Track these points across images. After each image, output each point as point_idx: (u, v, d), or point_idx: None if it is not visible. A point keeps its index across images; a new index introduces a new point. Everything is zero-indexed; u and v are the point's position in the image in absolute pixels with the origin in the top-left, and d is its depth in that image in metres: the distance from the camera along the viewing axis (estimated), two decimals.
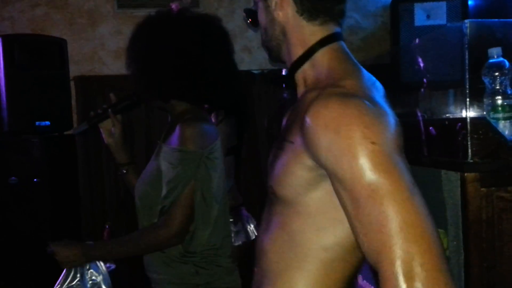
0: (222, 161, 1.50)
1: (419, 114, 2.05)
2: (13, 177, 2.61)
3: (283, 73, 2.40)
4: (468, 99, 1.14)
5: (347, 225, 0.81)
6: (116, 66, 3.42)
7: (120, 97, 1.58)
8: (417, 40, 3.04)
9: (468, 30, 1.17)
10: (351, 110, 0.77)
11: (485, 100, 1.26)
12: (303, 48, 0.93)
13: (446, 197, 1.16)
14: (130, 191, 1.65)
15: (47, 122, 2.77)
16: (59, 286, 1.56)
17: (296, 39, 0.94)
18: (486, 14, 3.09)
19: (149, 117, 3.29)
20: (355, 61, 0.93)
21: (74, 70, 3.26)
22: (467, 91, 1.14)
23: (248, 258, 1.30)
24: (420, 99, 2.37)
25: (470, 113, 1.16)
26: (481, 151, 1.10)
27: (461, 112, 1.34)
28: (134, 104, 1.58)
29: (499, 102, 1.23)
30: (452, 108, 1.96)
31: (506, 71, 1.25)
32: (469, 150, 1.10)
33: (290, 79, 0.98)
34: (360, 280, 1.68)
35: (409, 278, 0.67)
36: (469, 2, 3.42)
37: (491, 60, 1.26)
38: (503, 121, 1.22)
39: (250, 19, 1.05)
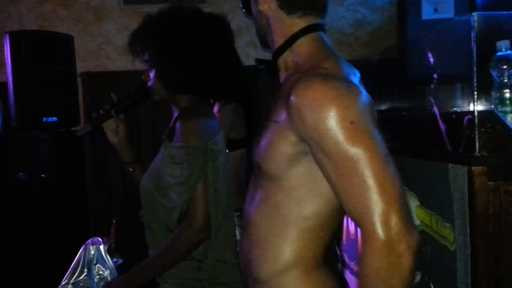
0: (225, 154, 1.50)
1: (433, 107, 2.03)
2: (20, 173, 2.63)
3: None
4: (475, 93, 1.13)
5: (324, 197, 0.97)
6: (122, 62, 3.43)
7: (122, 96, 1.59)
8: (424, 34, 3.01)
9: (476, 23, 1.16)
10: (332, 92, 0.89)
11: (493, 93, 1.24)
12: (284, 38, 1.06)
13: (453, 191, 1.15)
14: (137, 188, 1.66)
15: (54, 118, 2.79)
16: (66, 280, 1.58)
17: (278, 29, 1.06)
18: (493, 7, 3.05)
19: (155, 114, 3.30)
20: (332, 49, 1.05)
21: (81, 66, 3.28)
22: (475, 85, 1.12)
23: None
24: (427, 93, 2.35)
25: (477, 106, 1.15)
26: (488, 144, 1.09)
27: (468, 105, 1.33)
28: (137, 103, 1.59)
29: (507, 95, 1.22)
30: (460, 102, 1.94)
31: None
32: (477, 144, 1.09)
33: (273, 65, 1.10)
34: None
35: (387, 230, 0.83)
36: None
37: (499, 53, 1.24)
38: (511, 115, 1.21)
39: (244, 9, 1.17)
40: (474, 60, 1.12)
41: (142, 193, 1.52)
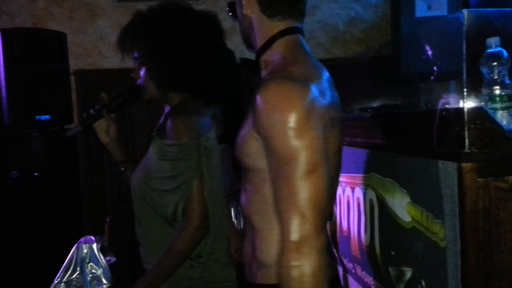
0: (217, 151, 1.50)
1: (422, 104, 2.04)
2: (13, 172, 2.63)
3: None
4: (465, 89, 1.13)
5: None
6: (116, 59, 3.39)
7: (113, 96, 1.59)
8: (417, 31, 3.02)
9: (466, 20, 1.16)
10: (284, 94, 0.98)
11: (483, 90, 1.25)
12: (264, 39, 1.14)
13: (443, 188, 1.16)
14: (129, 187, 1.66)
15: (48, 116, 2.78)
16: (59, 279, 1.58)
17: (260, 31, 1.15)
18: (487, 4, 3.06)
19: (150, 111, 3.29)
20: (308, 51, 1.13)
21: (74, 64, 3.27)
22: (464, 81, 1.13)
23: None
24: (421, 90, 2.36)
25: (467, 103, 1.16)
26: (478, 141, 1.09)
27: (469, 101, 1.33)
28: (128, 102, 1.59)
29: (497, 92, 1.23)
30: (453, 99, 1.95)
31: (504, 61, 1.24)
32: (466, 140, 1.09)
33: (256, 64, 1.18)
34: (359, 271, 1.69)
35: (298, 233, 0.95)
36: None
37: (489, 50, 1.25)
38: (501, 111, 1.22)
39: (231, 13, 1.23)
40: (464, 57, 1.12)
41: (132, 191, 1.52)
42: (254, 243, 1.12)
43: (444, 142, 1.19)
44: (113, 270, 1.62)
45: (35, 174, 2.66)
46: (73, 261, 1.59)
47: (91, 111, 1.58)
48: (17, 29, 3.04)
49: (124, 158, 1.64)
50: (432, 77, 2.09)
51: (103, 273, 1.59)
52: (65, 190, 2.93)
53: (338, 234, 1.85)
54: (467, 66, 1.14)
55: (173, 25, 1.44)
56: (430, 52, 2.38)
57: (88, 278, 1.57)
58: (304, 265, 0.94)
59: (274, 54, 1.12)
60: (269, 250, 1.07)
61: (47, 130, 2.78)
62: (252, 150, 1.06)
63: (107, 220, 1.93)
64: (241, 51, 3.42)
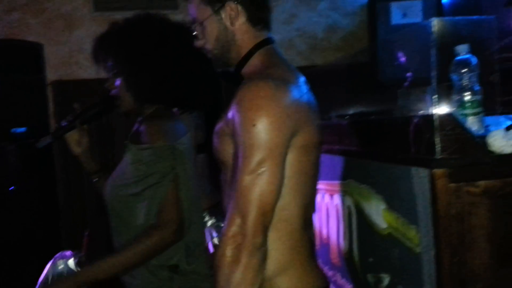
0: (193, 157, 1.50)
1: (395, 111, 2.06)
2: None
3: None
4: (435, 96, 1.15)
5: (287, 186, 1.05)
6: (94, 69, 3.37)
7: (87, 106, 1.57)
8: (393, 38, 3.07)
9: (434, 28, 1.18)
10: (251, 95, 1.01)
11: (453, 96, 1.27)
12: (247, 49, 1.16)
13: (416, 194, 1.17)
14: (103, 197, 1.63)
15: (23, 129, 2.74)
16: None
17: (243, 42, 1.16)
18: (461, 11, 3.13)
19: (129, 118, 3.26)
20: (284, 58, 1.17)
21: (52, 75, 3.22)
22: (434, 88, 1.15)
23: None
24: (397, 96, 2.39)
25: (438, 109, 1.17)
26: (449, 147, 1.11)
27: (439, 107, 1.35)
28: (101, 113, 1.57)
29: (467, 98, 1.25)
30: (427, 105, 1.98)
31: (473, 68, 1.26)
32: (437, 147, 1.10)
33: (237, 75, 1.18)
34: (339, 279, 1.69)
35: (241, 228, 0.98)
36: (444, 0, 3.47)
37: (458, 57, 1.27)
38: (471, 117, 1.24)
39: (197, 33, 1.20)
40: (433, 64, 1.14)
41: (106, 200, 1.50)
42: None
43: (416, 148, 1.20)
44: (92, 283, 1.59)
45: (11, 188, 2.60)
46: (50, 278, 1.56)
47: (63, 122, 1.56)
48: None
49: (96, 168, 1.62)
50: (406, 83, 2.12)
51: None
52: (43, 204, 2.88)
53: (318, 242, 1.86)
54: (437, 73, 1.17)
55: (150, 36, 1.43)
56: (403, 59, 2.41)
57: None
58: (236, 263, 0.97)
59: (255, 63, 1.15)
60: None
61: (23, 142, 2.74)
62: (227, 147, 1.09)
63: (86, 233, 1.90)
64: None
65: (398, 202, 1.26)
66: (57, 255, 1.58)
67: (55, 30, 3.39)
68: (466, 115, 1.24)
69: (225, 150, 1.10)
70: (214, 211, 2.24)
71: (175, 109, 1.58)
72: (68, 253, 1.59)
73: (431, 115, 1.12)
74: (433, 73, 1.14)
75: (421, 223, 1.16)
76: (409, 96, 2.45)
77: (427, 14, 3.30)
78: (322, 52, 3.72)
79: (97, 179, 1.62)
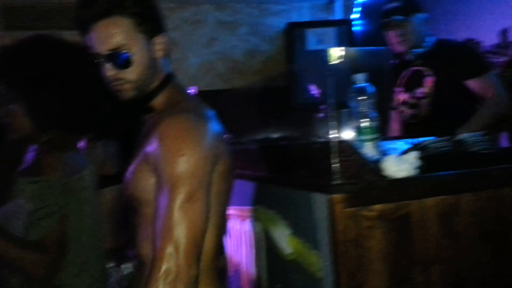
0: (94, 192, 1.41)
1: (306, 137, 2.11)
2: None
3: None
4: (333, 123, 1.18)
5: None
6: None
7: None
8: (309, 63, 3.18)
9: (329, 58, 1.22)
10: (175, 128, 1.02)
11: (351, 123, 1.32)
12: (159, 81, 1.14)
13: (317, 219, 1.18)
14: None
15: None
16: None
17: (159, 73, 1.14)
18: (370, 38, 3.32)
19: (21, 145, 3.06)
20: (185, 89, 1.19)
21: None
22: (331, 115, 1.18)
23: None
24: (309, 121, 2.46)
25: (336, 136, 1.20)
26: (345, 172, 1.14)
27: (337, 134, 1.39)
28: None
29: (364, 124, 1.30)
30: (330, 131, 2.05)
31: (370, 95, 1.32)
32: (335, 172, 1.13)
33: (148, 106, 1.15)
34: None
35: (171, 261, 0.95)
36: (356, 28, 3.67)
37: (355, 85, 1.32)
38: (368, 143, 1.29)
39: (124, 62, 1.09)
40: (330, 92, 1.18)
41: None
42: None
43: (317, 174, 1.22)
44: None
45: None
46: None
47: None
48: None
49: None
50: (321, 107, 2.19)
51: None
52: None
53: (230, 269, 1.82)
54: (334, 100, 1.20)
55: (50, 58, 1.35)
56: (316, 84, 2.50)
57: None
58: None
59: (167, 96, 1.14)
60: None
61: None
62: (146, 182, 1.06)
63: None
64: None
65: (302, 228, 1.27)
66: None
67: None
68: (364, 141, 1.29)
69: (145, 186, 1.06)
70: (117, 253, 2.11)
71: (81, 137, 1.49)
72: None
73: (328, 142, 1.14)
74: (330, 101, 1.17)
75: (322, 248, 1.17)
76: (325, 120, 2.52)
77: (340, 41, 3.46)
78: (242, 76, 3.76)
79: None
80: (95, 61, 1.11)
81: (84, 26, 1.09)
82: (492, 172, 1.24)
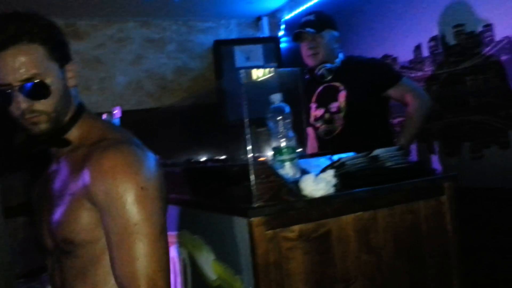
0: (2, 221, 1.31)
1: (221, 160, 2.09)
2: None
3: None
4: (249, 145, 1.17)
5: None
6: None
7: None
8: (238, 80, 3.18)
9: (243, 79, 1.22)
10: (124, 159, 0.96)
11: (270, 143, 1.32)
12: (72, 112, 1.07)
13: (239, 243, 1.16)
14: None
15: None
16: None
17: (72, 103, 1.08)
18: (297, 55, 3.39)
19: None
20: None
21: None
22: (248, 137, 1.17)
23: None
24: (240, 140, 2.45)
25: (255, 155, 1.19)
26: (264, 194, 1.13)
27: (256, 154, 1.38)
28: None
29: (283, 144, 1.30)
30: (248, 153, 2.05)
31: (287, 116, 1.33)
32: (254, 195, 1.12)
33: (63, 139, 1.08)
34: None
35: None
36: (282, 45, 3.74)
37: (273, 106, 1.33)
38: (287, 163, 1.29)
39: (40, 93, 1.00)
40: (245, 112, 1.17)
41: None
42: None
43: (238, 197, 1.21)
44: None
45: None
46: None
47: None
48: None
49: None
50: (241, 130, 2.17)
51: None
52: None
53: None
54: (248, 121, 1.19)
55: None
56: (245, 102, 2.49)
57: None
58: None
59: (83, 126, 1.08)
60: None
61: None
62: (84, 221, 0.99)
63: None
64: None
65: (225, 253, 1.25)
66: None
67: None
68: (283, 161, 1.29)
69: (83, 226, 0.99)
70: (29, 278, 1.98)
71: None
72: None
73: (246, 164, 1.13)
74: (246, 121, 1.16)
75: (244, 273, 1.15)
76: (257, 138, 2.51)
77: (267, 58, 3.51)
78: (172, 94, 3.70)
79: None
80: (2, 92, 0.98)
81: None
82: (404, 186, 1.28)
